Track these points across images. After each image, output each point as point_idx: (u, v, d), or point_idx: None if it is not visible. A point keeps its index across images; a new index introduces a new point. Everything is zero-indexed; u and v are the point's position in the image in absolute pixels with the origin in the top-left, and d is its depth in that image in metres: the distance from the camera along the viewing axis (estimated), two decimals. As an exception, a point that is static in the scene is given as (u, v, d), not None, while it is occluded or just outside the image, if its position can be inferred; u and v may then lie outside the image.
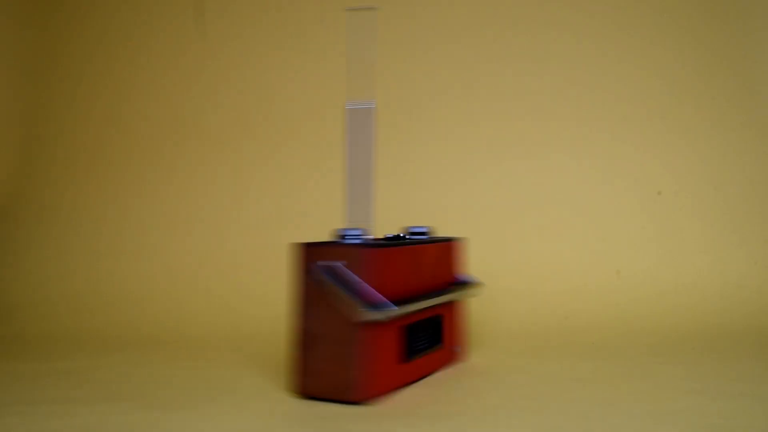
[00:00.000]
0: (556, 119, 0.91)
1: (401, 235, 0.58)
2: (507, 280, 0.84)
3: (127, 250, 0.96)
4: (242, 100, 0.99)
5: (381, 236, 0.59)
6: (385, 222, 0.89)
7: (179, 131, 1.00)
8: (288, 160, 0.97)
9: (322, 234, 0.89)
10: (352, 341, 0.48)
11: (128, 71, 1.03)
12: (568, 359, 0.62)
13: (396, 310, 0.48)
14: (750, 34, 0.88)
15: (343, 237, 0.54)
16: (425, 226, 0.60)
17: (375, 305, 0.48)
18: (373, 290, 0.48)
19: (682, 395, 0.50)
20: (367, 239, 0.53)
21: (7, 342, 0.78)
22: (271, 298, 0.85)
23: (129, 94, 1.03)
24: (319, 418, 0.46)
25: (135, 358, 0.67)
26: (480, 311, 0.81)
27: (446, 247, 0.61)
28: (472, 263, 0.82)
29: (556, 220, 0.88)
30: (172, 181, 0.99)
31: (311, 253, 0.50)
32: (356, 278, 0.48)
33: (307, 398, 0.50)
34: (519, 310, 0.81)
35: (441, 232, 0.87)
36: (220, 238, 0.95)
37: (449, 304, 0.61)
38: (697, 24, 0.89)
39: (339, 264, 0.49)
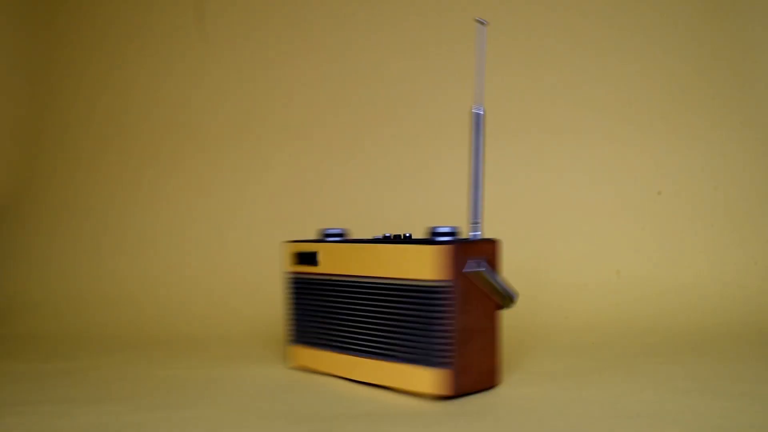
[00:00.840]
0: (555, 119, 0.91)
1: (406, 235, 0.57)
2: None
3: (128, 250, 0.96)
4: (244, 101, 0.99)
5: (379, 236, 0.59)
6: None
7: (181, 131, 1.00)
8: (290, 161, 0.97)
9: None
10: (494, 330, 0.52)
11: (130, 71, 1.03)
12: (568, 359, 0.62)
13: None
14: (750, 34, 0.88)
15: (324, 236, 0.58)
16: (452, 227, 0.58)
17: (514, 297, 0.51)
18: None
19: (682, 395, 0.50)
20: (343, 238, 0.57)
21: (7, 342, 0.78)
22: (272, 298, 0.85)
23: (131, 94, 1.03)
24: (321, 419, 0.46)
25: (135, 358, 0.67)
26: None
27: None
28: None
29: (556, 220, 0.88)
30: (174, 182, 0.99)
31: (460, 252, 0.50)
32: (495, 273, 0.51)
33: (458, 397, 0.50)
34: (518, 310, 0.81)
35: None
36: (222, 238, 0.95)
37: None
38: (697, 24, 0.89)
39: (484, 261, 0.51)
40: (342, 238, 0.59)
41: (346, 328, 0.56)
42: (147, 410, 0.49)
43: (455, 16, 0.94)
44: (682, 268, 0.83)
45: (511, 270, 0.85)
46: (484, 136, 0.54)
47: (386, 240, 0.55)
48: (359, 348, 0.55)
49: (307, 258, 0.59)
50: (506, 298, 0.51)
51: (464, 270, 0.49)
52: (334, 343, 0.57)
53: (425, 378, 0.50)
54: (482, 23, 0.54)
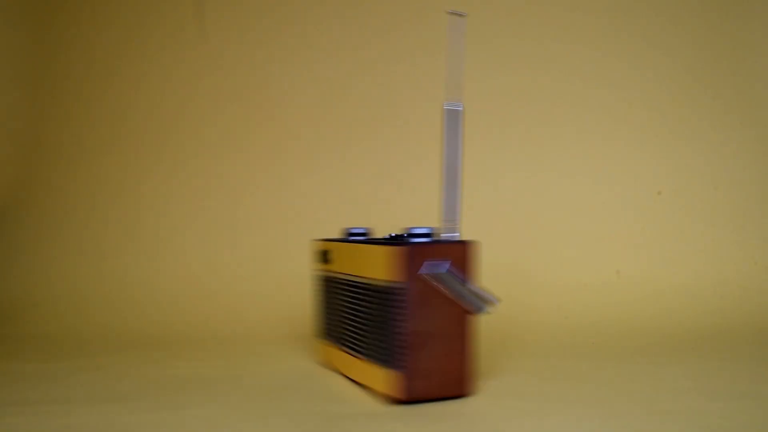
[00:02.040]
0: (555, 120, 0.91)
1: (403, 234, 0.57)
2: (507, 280, 0.84)
3: (129, 250, 0.96)
4: (247, 101, 0.99)
5: (385, 236, 0.60)
6: (385, 221, 0.89)
7: (184, 131, 1.00)
8: (292, 162, 0.97)
9: (326, 234, 0.89)
10: (463, 337, 0.49)
11: (132, 71, 1.03)
12: (568, 359, 0.62)
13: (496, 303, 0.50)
14: (750, 35, 0.88)
15: (348, 235, 0.59)
16: (427, 227, 0.59)
17: (484, 304, 0.48)
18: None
19: (682, 395, 0.50)
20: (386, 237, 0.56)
21: (8, 342, 0.78)
22: (274, 299, 0.85)
23: (132, 95, 1.03)
24: (322, 419, 0.46)
25: (135, 358, 0.67)
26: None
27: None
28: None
29: (556, 220, 0.88)
30: (176, 182, 0.99)
31: (414, 254, 0.48)
32: (463, 276, 0.49)
33: (412, 403, 0.48)
34: (519, 310, 0.81)
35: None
36: (223, 238, 0.95)
37: None
38: (697, 24, 0.89)
39: (446, 264, 0.49)
40: (366, 237, 0.61)
41: (343, 325, 0.58)
42: (147, 410, 0.49)
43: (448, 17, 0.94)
44: (682, 268, 0.83)
45: (510, 270, 0.85)
46: (463, 132, 0.53)
47: (365, 240, 0.55)
48: (348, 345, 0.57)
49: (323, 256, 0.61)
50: (475, 304, 0.48)
51: (421, 272, 0.48)
52: (337, 340, 0.59)
53: (381, 378, 0.50)
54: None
